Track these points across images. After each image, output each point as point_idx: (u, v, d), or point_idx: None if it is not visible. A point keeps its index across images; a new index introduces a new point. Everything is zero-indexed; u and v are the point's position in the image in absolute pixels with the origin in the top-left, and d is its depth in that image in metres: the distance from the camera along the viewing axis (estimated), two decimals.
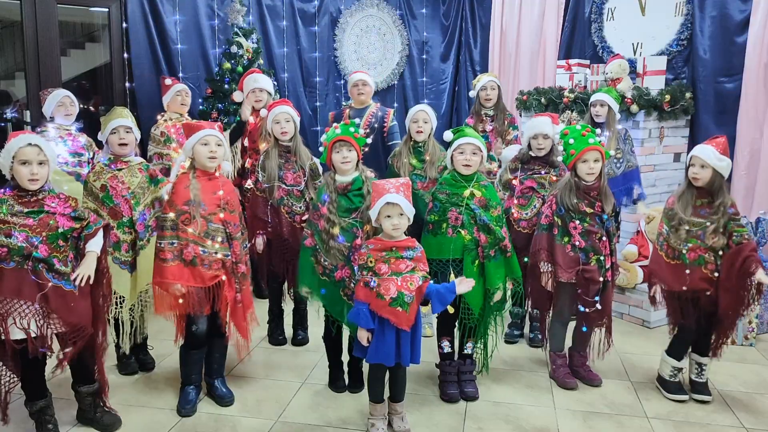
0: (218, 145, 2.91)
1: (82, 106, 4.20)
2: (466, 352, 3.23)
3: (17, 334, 2.52)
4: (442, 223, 3.08)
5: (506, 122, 4.39)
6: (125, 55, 5.29)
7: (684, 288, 3.03)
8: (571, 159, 3.10)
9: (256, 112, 4.19)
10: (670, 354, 3.23)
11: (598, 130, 3.19)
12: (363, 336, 2.71)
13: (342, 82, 6.47)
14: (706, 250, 2.99)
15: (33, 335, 2.51)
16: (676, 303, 3.11)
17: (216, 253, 2.87)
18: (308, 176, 3.53)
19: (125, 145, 3.15)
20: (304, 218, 3.42)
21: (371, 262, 2.69)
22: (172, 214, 2.84)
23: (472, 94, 4.50)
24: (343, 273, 2.98)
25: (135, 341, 3.36)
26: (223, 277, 2.90)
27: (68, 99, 3.91)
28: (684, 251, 3.02)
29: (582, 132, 3.09)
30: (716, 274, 2.99)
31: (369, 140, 3.12)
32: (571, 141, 3.09)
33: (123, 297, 3.16)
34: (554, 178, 3.52)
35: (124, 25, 5.25)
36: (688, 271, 3.01)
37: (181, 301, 2.85)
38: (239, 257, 2.98)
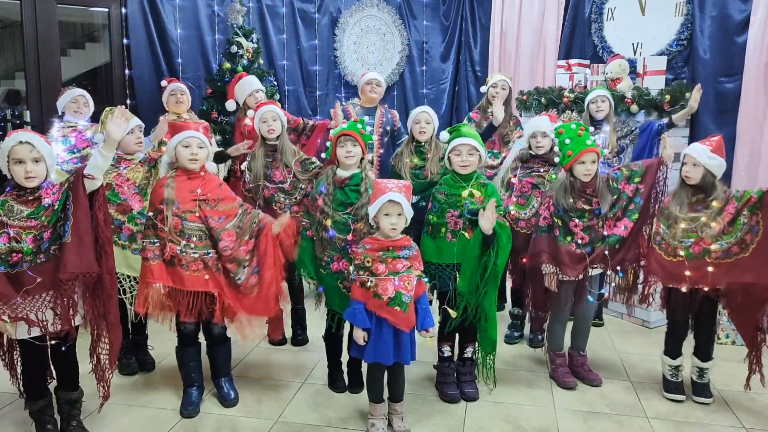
0: (200, 147, 2.89)
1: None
2: (466, 355, 3.23)
3: (22, 334, 2.51)
4: (441, 227, 3.06)
5: (511, 123, 4.39)
6: (125, 54, 5.29)
7: (683, 288, 2.98)
8: (569, 160, 3.08)
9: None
10: (665, 353, 3.25)
11: (591, 128, 3.18)
12: (359, 336, 2.72)
13: (342, 82, 6.47)
14: (710, 242, 2.93)
15: (48, 325, 2.48)
16: (672, 298, 3.11)
17: (194, 252, 2.83)
18: (301, 167, 3.46)
19: (141, 144, 3.22)
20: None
21: (368, 262, 2.68)
22: (151, 213, 2.86)
23: (483, 89, 4.52)
24: (340, 265, 2.98)
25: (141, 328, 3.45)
26: (206, 276, 2.82)
27: (82, 98, 3.98)
28: (687, 246, 2.97)
29: (578, 132, 3.06)
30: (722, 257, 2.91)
31: (375, 139, 3.12)
32: (567, 141, 3.06)
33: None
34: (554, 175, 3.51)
35: (123, 28, 5.25)
36: (688, 273, 2.95)
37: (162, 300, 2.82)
38: (232, 251, 2.86)
